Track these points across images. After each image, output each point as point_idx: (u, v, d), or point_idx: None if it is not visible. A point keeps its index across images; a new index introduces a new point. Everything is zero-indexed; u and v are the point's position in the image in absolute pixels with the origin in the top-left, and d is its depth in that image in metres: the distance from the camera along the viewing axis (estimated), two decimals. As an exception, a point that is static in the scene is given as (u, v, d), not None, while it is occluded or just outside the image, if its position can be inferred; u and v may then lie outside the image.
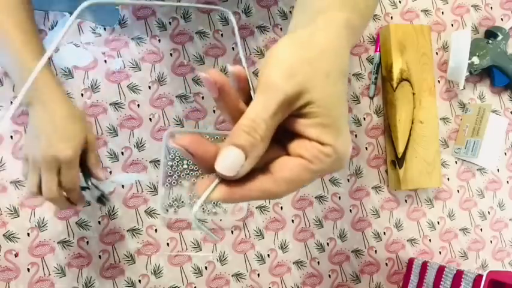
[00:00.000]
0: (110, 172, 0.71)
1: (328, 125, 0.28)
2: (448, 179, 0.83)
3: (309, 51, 0.29)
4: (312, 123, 0.28)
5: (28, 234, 0.68)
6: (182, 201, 0.72)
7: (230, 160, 0.27)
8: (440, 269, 0.72)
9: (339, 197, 0.78)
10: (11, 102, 0.69)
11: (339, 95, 0.29)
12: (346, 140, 0.29)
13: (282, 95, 0.27)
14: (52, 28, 0.71)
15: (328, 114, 0.28)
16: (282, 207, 0.76)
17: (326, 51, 0.29)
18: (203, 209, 0.73)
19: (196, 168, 0.72)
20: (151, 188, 0.72)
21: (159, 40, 0.74)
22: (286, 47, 0.29)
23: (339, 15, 0.32)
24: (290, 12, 0.78)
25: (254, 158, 0.28)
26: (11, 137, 0.69)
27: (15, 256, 0.68)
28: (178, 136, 0.27)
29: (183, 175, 0.73)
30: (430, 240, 0.81)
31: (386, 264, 0.80)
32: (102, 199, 0.66)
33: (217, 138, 0.74)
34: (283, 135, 0.30)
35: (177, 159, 0.72)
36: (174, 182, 0.72)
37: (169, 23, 0.75)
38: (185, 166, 0.72)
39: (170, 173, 0.72)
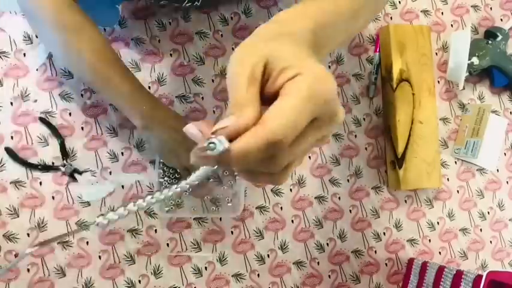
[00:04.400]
0: (110, 172, 0.71)
1: (288, 67, 0.31)
2: (448, 179, 0.83)
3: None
4: (277, 74, 0.31)
5: (28, 234, 0.68)
6: (182, 201, 0.72)
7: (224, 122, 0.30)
8: (440, 269, 0.72)
9: (339, 197, 0.78)
10: (11, 103, 0.69)
11: (295, 50, 0.33)
12: (315, 65, 0.32)
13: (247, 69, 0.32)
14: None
15: (288, 62, 0.31)
16: (281, 208, 0.76)
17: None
18: (202, 207, 0.73)
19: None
20: (151, 189, 0.72)
21: (159, 40, 0.74)
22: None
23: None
24: (290, 12, 0.78)
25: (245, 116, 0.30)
26: (12, 137, 0.69)
27: (15, 256, 0.67)
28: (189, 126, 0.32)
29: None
30: (429, 240, 0.81)
31: (386, 264, 0.80)
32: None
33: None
34: None
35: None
36: (172, 182, 0.72)
37: (169, 23, 0.75)
38: None
39: (168, 173, 0.72)
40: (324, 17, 0.40)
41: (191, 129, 0.32)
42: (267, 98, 0.31)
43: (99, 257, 0.70)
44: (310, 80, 0.30)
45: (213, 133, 0.29)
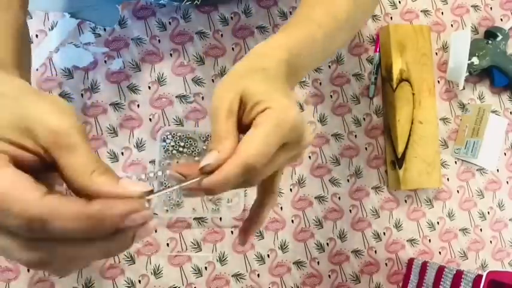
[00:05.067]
0: (110, 172, 0.71)
1: (259, 101, 0.36)
2: (448, 179, 0.83)
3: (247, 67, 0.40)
4: (250, 107, 0.36)
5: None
6: (182, 201, 0.72)
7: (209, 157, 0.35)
8: (440, 269, 0.72)
9: (339, 197, 0.78)
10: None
11: (266, 86, 0.37)
12: (283, 97, 0.36)
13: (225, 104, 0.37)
14: (52, 28, 0.71)
15: (260, 97, 0.36)
16: (281, 208, 0.76)
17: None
18: (202, 207, 0.73)
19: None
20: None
21: (159, 40, 0.74)
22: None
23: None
24: (290, 12, 0.78)
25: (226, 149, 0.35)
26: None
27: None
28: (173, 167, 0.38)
29: None
30: (429, 240, 0.81)
31: (386, 264, 0.80)
32: None
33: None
34: None
35: (176, 158, 0.72)
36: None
37: (169, 23, 0.75)
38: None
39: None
40: (298, 47, 0.44)
41: (175, 173, 0.36)
42: (244, 127, 0.37)
43: (99, 257, 0.70)
44: (278, 111, 0.35)
45: (200, 169, 0.34)
